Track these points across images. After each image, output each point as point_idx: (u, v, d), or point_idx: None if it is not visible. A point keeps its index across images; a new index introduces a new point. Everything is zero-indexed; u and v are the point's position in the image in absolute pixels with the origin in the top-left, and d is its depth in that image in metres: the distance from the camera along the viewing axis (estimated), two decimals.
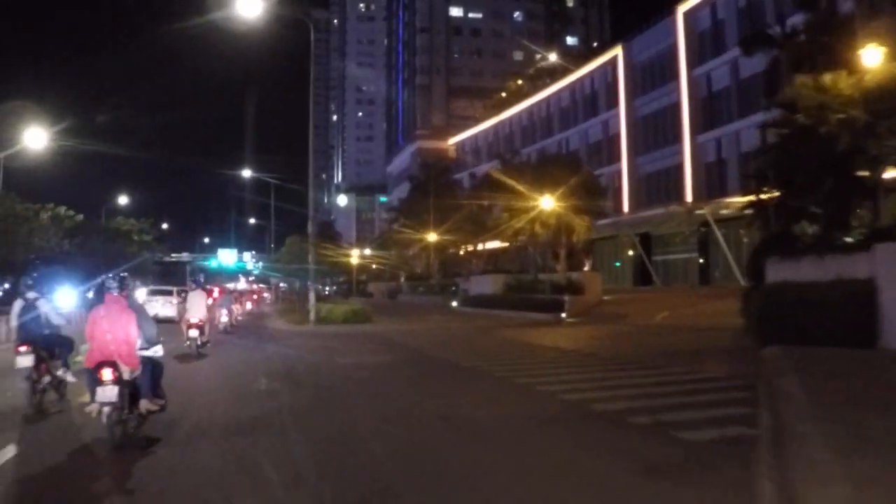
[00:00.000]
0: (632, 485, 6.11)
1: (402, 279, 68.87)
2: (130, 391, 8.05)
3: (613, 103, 63.13)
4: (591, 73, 67.78)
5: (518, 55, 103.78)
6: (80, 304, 31.72)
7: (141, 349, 8.19)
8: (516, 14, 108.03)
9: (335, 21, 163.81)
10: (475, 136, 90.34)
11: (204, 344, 18.99)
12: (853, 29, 22.63)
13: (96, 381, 7.78)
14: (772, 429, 7.41)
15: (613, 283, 55.30)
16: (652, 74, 59.12)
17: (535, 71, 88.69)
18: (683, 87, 53.85)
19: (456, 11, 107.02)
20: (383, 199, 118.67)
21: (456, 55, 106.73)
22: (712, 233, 50.59)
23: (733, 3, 50.53)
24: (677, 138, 54.70)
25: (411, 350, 19.65)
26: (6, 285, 49.37)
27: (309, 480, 6.51)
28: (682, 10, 54.00)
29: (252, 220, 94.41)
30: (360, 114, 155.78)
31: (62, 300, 38.78)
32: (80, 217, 55.59)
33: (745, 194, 28.51)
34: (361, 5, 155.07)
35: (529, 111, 79.14)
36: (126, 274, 9.26)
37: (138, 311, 8.42)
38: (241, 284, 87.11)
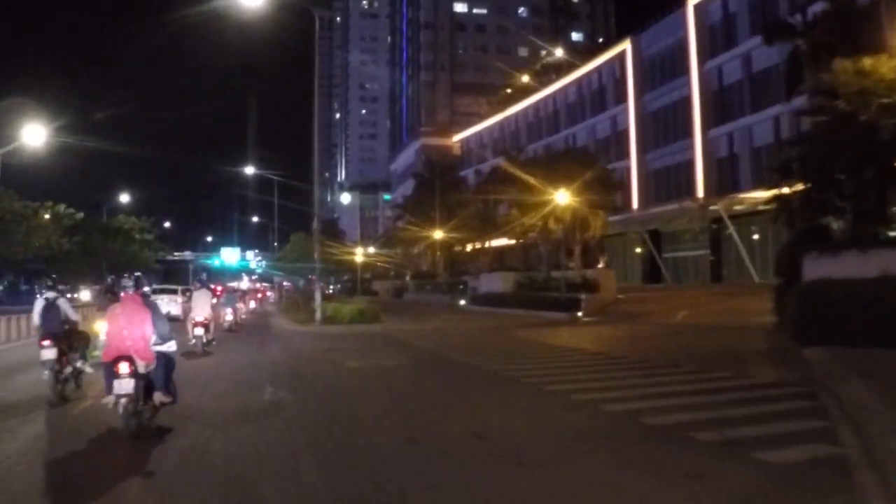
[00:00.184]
0: None
1: (408, 277, 67.89)
2: (145, 384, 8.53)
3: (622, 98, 62.06)
4: (599, 67, 66.71)
5: (523, 51, 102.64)
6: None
7: (155, 345, 8.70)
8: (521, 10, 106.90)
9: (338, 18, 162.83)
10: (480, 133, 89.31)
11: (209, 342, 19.28)
12: (876, 15, 21.73)
13: (113, 375, 8.28)
14: (861, 448, 6.41)
15: (622, 280, 54.27)
16: (661, 69, 58.06)
17: (540, 67, 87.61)
18: (694, 82, 52.79)
19: (460, 7, 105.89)
20: (387, 196, 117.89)
21: (460, 51, 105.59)
22: (724, 229, 49.62)
23: None
24: (688, 133, 53.65)
25: (424, 352, 18.57)
26: (4, 283, 48.73)
27: None
28: (692, 2, 52.94)
29: (255, 219, 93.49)
30: (364, 111, 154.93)
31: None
32: (80, 215, 54.84)
33: (769, 188, 27.55)
34: (364, 2, 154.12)
35: (535, 107, 78.06)
36: (139, 274, 10.06)
37: (153, 308, 8.97)
38: (245, 283, 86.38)
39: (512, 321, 28.75)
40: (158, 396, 8.72)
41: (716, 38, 52.22)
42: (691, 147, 53.13)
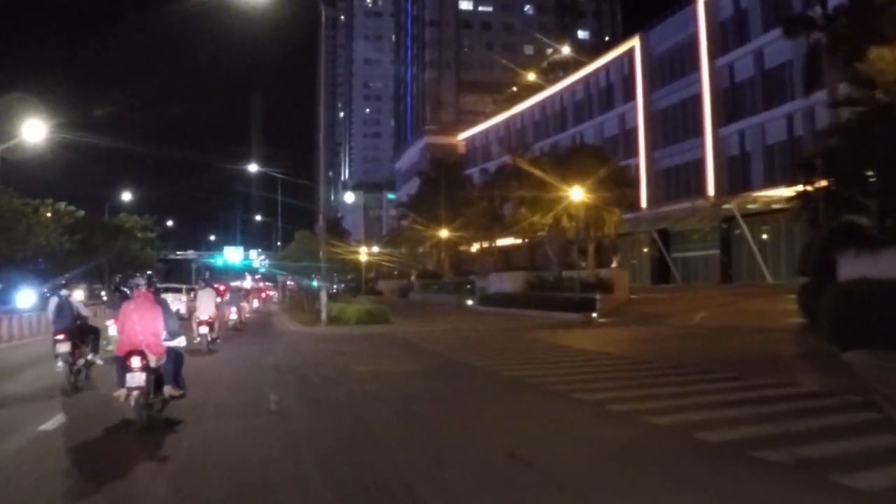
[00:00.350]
0: None
1: (413, 277, 67.07)
2: (155, 378, 8.93)
3: (630, 96, 61.29)
4: (607, 65, 65.93)
5: (529, 49, 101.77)
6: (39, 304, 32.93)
7: (165, 340, 9.08)
8: (527, 7, 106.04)
9: (342, 17, 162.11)
10: (486, 132, 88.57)
11: (214, 340, 19.50)
12: None
13: (126, 369, 8.67)
14: None
15: (630, 280, 53.40)
16: (671, 66, 57.26)
17: (547, 64, 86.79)
18: (705, 79, 51.98)
19: (465, 5, 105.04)
20: (391, 195, 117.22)
21: (466, 49, 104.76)
22: (734, 229, 48.80)
23: None
24: (698, 131, 52.85)
25: (437, 356, 17.51)
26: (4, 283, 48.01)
27: None
28: None
29: (258, 218, 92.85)
30: (368, 110, 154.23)
31: (22, 301, 38.33)
32: (82, 213, 54.09)
33: (790, 184, 26.77)
34: (369, 0, 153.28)
35: (542, 105, 77.30)
36: (151, 273, 11.12)
37: (164, 306, 9.37)
38: (248, 282, 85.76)
39: (524, 322, 27.77)
40: (168, 390, 9.16)
41: (727, 35, 51.40)
42: (702, 145, 52.34)
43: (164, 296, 26.11)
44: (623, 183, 36.48)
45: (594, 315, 27.79)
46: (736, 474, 6.22)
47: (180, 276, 71.16)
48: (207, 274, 35.06)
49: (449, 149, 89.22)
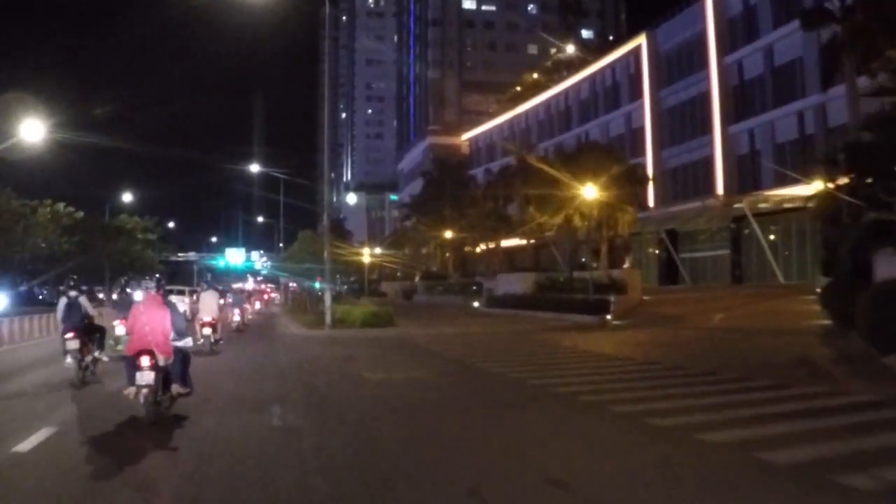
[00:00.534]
0: None
1: (417, 278, 66.25)
2: (163, 376, 9.34)
3: (637, 95, 60.42)
4: (613, 63, 65.10)
5: (533, 48, 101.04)
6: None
7: (173, 340, 9.46)
8: (530, 6, 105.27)
9: (344, 17, 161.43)
10: (489, 132, 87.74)
11: (217, 342, 19.58)
12: None
13: (135, 367, 9.03)
14: None
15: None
16: (679, 63, 56.40)
17: (551, 63, 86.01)
18: (713, 76, 51.15)
19: (468, 4, 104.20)
20: (394, 197, 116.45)
21: (469, 48, 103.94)
22: (744, 228, 47.97)
23: None
24: (706, 130, 52.01)
25: (451, 361, 16.49)
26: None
27: None
28: None
29: (260, 219, 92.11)
30: (370, 111, 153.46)
31: None
32: (81, 214, 53.30)
33: (808, 182, 25.96)
34: (371, 0, 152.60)
35: (546, 104, 76.47)
36: (159, 275, 11.11)
37: (171, 307, 9.72)
38: (249, 284, 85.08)
39: (536, 325, 26.89)
40: (176, 388, 9.59)
41: (736, 31, 50.57)
42: (710, 144, 51.50)
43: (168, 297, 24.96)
44: (635, 181, 35.56)
45: (608, 317, 26.91)
46: None
47: (182, 277, 70.42)
48: (209, 276, 34.72)
49: (452, 149, 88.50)
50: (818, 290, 28.97)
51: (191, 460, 7.29)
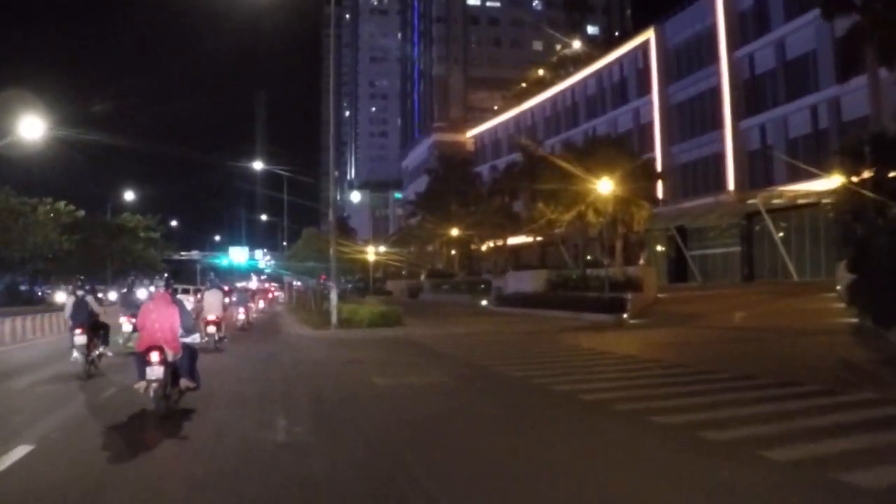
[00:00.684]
0: None
1: (423, 276, 65.51)
2: (172, 371, 9.68)
3: (645, 90, 59.61)
4: (620, 58, 64.28)
5: (538, 45, 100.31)
6: None
7: (181, 337, 9.80)
8: (535, 2, 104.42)
9: (347, 16, 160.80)
10: (494, 128, 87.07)
11: (221, 339, 20.05)
12: None
13: (145, 363, 9.38)
14: None
15: None
16: (688, 58, 55.57)
17: (557, 59, 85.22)
18: (724, 71, 50.30)
19: (473, 0, 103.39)
20: (398, 195, 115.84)
21: (473, 45, 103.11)
22: (755, 225, 47.17)
23: None
24: (717, 125, 51.21)
25: (465, 364, 15.45)
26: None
27: None
28: None
29: (264, 217, 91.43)
30: (374, 109, 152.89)
31: None
32: (81, 213, 52.60)
33: (840, 173, 25.10)
34: None
35: (553, 100, 75.66)
36: (168, 274, 12.06)
37: (179, 305, 10.09)
38: (253, 283, 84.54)
39: (550, 324, 25.90)
40: (184, 382, 9.95)
41: (746, 25, 49.76)
42: (721, 139, 50.70)
43: None
44: (649, 176, 34.67)
45: (625, 316, 26.04)
46: None
47: (185, 276, 69.86)
48: (212, 274, 34.37)
49: (457, 146, 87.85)
50: (839, 287, 28.23)
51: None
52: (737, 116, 49.56)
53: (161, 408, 9.52)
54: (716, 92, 51.36)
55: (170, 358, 9.60)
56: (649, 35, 59.13)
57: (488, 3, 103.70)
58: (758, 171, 48.60)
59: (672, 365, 14.25)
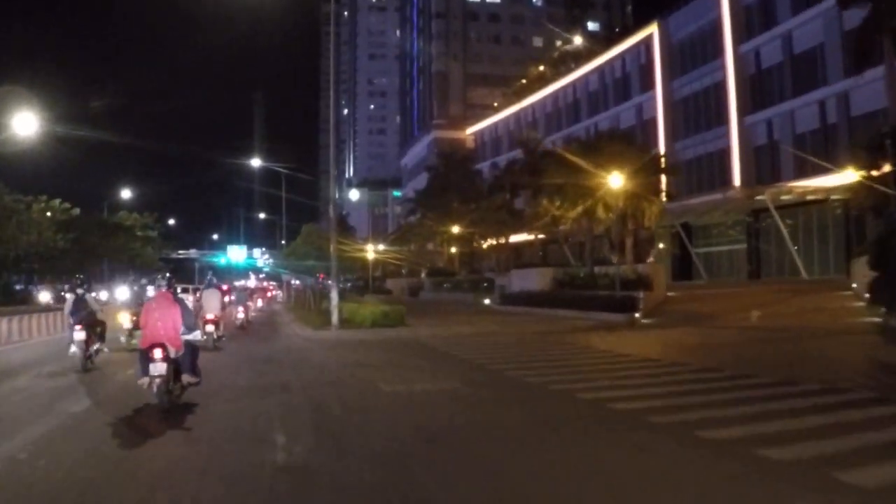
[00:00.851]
0: None
1: (423, 275, 64.72)
2: (174, 367, 9.98)
3: (648, 85, 58.82)
4: (623, 53, 63.49)
5: (538, 41, 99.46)
6: None
7: (183, 334, 10.12)
8: None
9: (345, 13, 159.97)
10: (495, 125, 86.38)
11: (219, 338, 20.30)
12: None
13: (149, 359, 9.72)
14: None
15: None
16: (692, 53, 54.79)
17: (558, 55, 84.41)
18: (729, 65, 49.55)
19: None
20: (397, 193, 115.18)
21: (473, 41, 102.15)
22: (762, 222, 46.41)
23: None
24: (722, 120, 50.51)
25: (478, 368, 14.43)
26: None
27: None
28: None
29: (262, 216, 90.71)
30: (372, 107, 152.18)
31: None
32: (77, 211, 51.70)
33: (858, 168, 24.41)
34: None
35: (554, 97, 74.88)
36: (169, 274, 11.71)
37: (181, 304, 10.41)
38: (251, 282, 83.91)
39: (559, 324, 24.94)
40: (186, 378, 10.28)
41: (752, 19, 48.98)
42: (726, 135, 49.99)
43: None
44: (660, 170, 33.78)
45: (637, 315, 25.15)
46: None
47: (183, 275, 69.00)
48: (211, 274, 33.75)
49: (457, 143, 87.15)
50: (855, 285, 27.47)
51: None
52: (742, 111, 48.83)
53: (164, 402, 9.88)
54: (721, 87, 50.64)
55: (172, 354, 9.96)
56: (653, 29, 58.35)
57: (488, 0, 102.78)
58: (764, 166, 47.86)
59: (700, 369, 13.32)
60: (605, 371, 13.51)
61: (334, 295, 26.31)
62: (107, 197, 65.55)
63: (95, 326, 15.46)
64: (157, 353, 9.76)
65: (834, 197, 39.97)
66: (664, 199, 35.16)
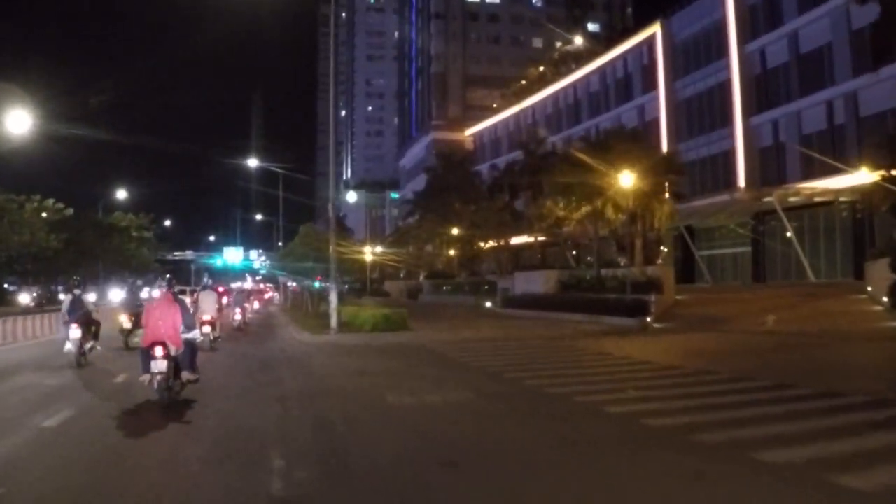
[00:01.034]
0: None
1: (422, 277, 63.89)
2: (175, 365, 10.51)
3: (651, 86, 58.06)
4: (625, 54, 62.73)
5: (538, 42, 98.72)
6: None
7: (182, 333, 10.64)
8: None
9: (343, 14, 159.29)
10: (494, 127, 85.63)
11: (216, 339, 20.48)
12: None
13: (150, 357, 10.29)
14: None
15: None
16: (696, 53, 54.05)
17: (559, 55, 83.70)
18: (734, 65, 48.82)
19: None
20: (395, 195, 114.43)
21: (473, 42, 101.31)
22: (767, 224, 45.65)
23: None
24: (726, 121, 49.75)
25: (490, 376, 13.41)
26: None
27: None
28: None
29: (258, 217, 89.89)
30: (370, 108, 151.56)
31: None
32: (70, 211, 50.80)
33: (875, 168, 23.61)
34: None
35: (554, 98, 74.11)
36: (170, 276, 12.42)
37: (181, 304, 10.94)
38: (248, 284, 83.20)
39: (567, 328, 23.98)
40: (185, 375, 10.67)
41: (758, 18, 48.25)
42: (731, 136, 49.22)
43: None
44: (670, 170, 32.93)
45: (648, 319, 24.25)
46: None
47: (179, 277, 68.05)
48: (207, 276, 33.29)
49: (456, 144, 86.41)
50: (870, 288, 26.72)
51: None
52: (747, 112, 48.11)
53: (165, 398, 10.28)
54: (725, 87, 49.89)
55: (172, 352, 10.33)
56: (655, 29, 57.61)
57: (488, 0, 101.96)
58: (769, 168, 47.12)
59: (732, 377, 12.33)
60: (629, 381, 12.52)
61: (333, 297, 25.44)
62: (102, 197, 64.73)
63: (90, 325, 16.28)
64: (159, 351, 10.16)
65: (842, 199, 39.27)
66: (677, 198, 34.22)
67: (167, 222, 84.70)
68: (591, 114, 67.26)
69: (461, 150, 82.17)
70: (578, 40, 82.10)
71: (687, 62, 54.94)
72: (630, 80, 62.19)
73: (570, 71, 73.51)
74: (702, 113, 53.54)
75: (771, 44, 46.79)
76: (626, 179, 25.68)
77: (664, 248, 53.42)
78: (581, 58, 74.77)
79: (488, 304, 40.04)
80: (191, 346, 10.83)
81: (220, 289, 31.13)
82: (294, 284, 66.82)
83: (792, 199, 41.17)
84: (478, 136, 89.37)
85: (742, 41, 48.46)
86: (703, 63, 52.94)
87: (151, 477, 6.71)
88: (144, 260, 65.08)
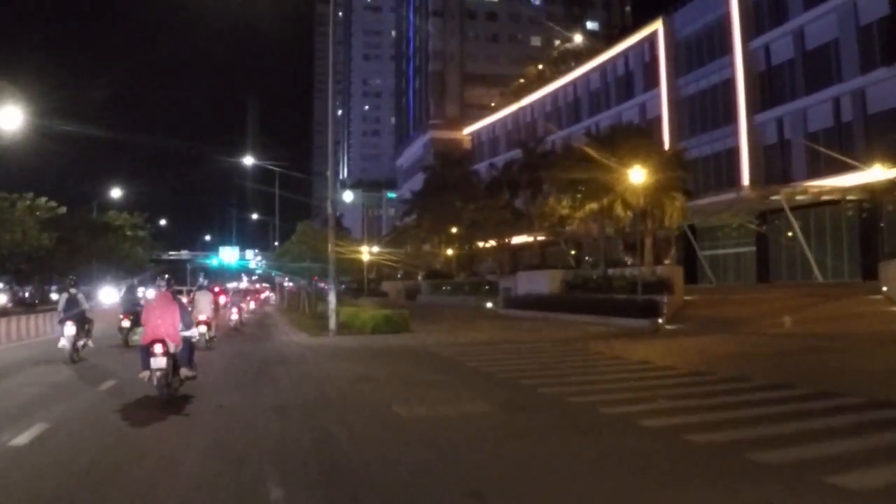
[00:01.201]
0: None
1: (420, 277, 63.05)
2: (173, 362, 10.84)
3: (653, 83, 57.31)
4: (626, 51, 61.97)
5: (536, 40, 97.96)
6: None
7: (181, 331, 11.01)
8: None
9: (340, 13, 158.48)
10: (492, 125, 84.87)
11: (211, 339, 20.74)
12: None
13: (150, 354, 10.60)
14: None
15: None
16: (699, 50, 53.31)
17: (558, 54, 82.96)
18: (738, 62, 48.05)
19: None
20: (392, 194, 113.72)
21: (471, 40, 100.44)
22: (771, 223, 44.88)
23: None
24: (730, 119, 49.00)
25: (504, 384, 12.43)
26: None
27: None
28: None
29: (255, 216, 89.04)
30: (367, 107, 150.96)
31: None
32: (63, 209, 49.82)
33: (892, 165, 22.85)
34: None
35: (554, 96, 73.32)
36: (168, 275, 12.61)
37: (179, 303, 11.42)
38: (244, 284, 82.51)
39: (575, 330, 23.06)
40: (184, 372, 11.10)
41: (762, 14, 47.53)
42: (735, 134, 48.49)
43: None
44: (683, 166, 32.06)
45: (660, 321, 23.37)
46: None
47: (176, 276, 67.19)
48: (202, 276, 32.95)
49: (454, 143, 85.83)
50: (885, 288, 25.93)
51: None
52: (752, 110, 47.35)
53: (164, 394, 10.60)
54: (729, 84, 49.14)
55: (171, 350, 10.64)
56: (657, 26, 56.85)
57: None
58: (774, 166, 46.37)
59: (768, 385, 11.37)
60: (656, 388, 11.59)
61: (332, 298, 24.55)
62: (96, 196, 63.74)
63: (84, 323, 17.07)
64: (158, 349, 10.47)
65: (849, 198, 38.52)
66: (687, 195, 33.35)
67: (162, 221, 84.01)
68: (591, 112, 66.46)
69: (459, 149, 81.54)
70: (577, 38, 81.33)
71: (689, 59, 54.21)
72: (631, 78, 61.44)
73: (569, 69, 72.75)
74: (705, 110, 52.81)
75: (776, 40, 46.02)
76: (637, 175, 24.78)
77: (673, 248, 52.81)
78: (580, 56, 74.04)
79: (489, 305, 39.21)
80: (189, 343, 11.23)
81: (217, 289, 30.48)
82: (291, 284, 66.03)
83: (800, 197, 40.37)
84: (476, 135, 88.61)
85: (746, 38, 47.73)
86: (706, 60, 52.20)
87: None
88: (139, 259, 64.15)
